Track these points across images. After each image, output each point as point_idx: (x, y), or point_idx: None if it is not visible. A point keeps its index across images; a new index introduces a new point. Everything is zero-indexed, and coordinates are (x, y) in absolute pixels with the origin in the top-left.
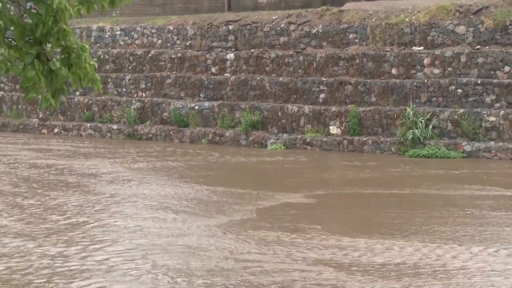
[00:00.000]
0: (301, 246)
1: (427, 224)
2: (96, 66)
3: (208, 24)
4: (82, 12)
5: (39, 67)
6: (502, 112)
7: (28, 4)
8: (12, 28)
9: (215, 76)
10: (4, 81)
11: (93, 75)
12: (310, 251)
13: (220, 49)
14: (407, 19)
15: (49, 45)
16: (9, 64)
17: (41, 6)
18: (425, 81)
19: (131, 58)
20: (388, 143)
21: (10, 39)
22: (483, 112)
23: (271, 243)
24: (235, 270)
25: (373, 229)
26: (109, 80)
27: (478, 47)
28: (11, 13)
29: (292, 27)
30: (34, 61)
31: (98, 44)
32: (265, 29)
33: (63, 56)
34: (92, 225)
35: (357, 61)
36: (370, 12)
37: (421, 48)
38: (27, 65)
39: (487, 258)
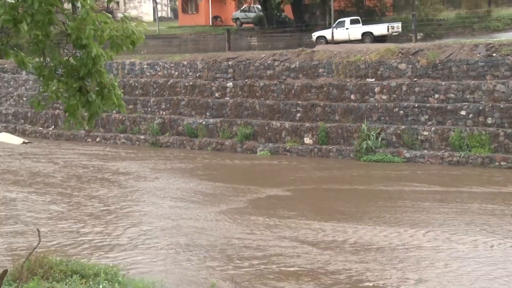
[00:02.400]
0: (281, 228)
1: (376, 212)
2: (122, 95)
3: (213, 60)
4: (113, 58)
5: (79, 98)
6: (433, 128)
7: (74, 50)
8: (60, 68)
9: (218, 99)
10: (60, 102)
11: (120, 102)
12: (287, 231)
13: (222, 79)
14: (362, 58)
15: (89, 80)
16: (58, 94)
17: (84, 52)
18: (376, 104)
19: (154, 85)
20: (348, 150)
21: (59, 75)
22: (419, 128)
23: (258, 225)
24: (230, 245)
25: (336, 215)
26: (138, 101)
27: (415, 79)
28: (60, 56)
29: (276, 63)
30: (76, 93)
31: (130, 75)
32: (256, 64)
33: (98, 89)
34: (124, 211)
35: (325, 89)
36: (335, 52)
37: (373, 79)
38: (71, 96)
39: (421, 238)
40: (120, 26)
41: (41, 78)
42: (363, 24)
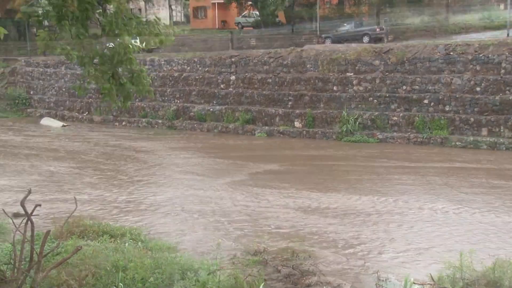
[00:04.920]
0: (275, 196)
1: (353, 183)
2: (151, 82)
3: (219, 57)
4: (140, 50)
5: (112, 82)
6: (401, 114)
7: (108, 42)
8: (97, 57)
9: (223, 90)
10: (92, 92)
11: (149, 87)
12: (281, 199)
13: (226, 73)
14: (343, 56)
15: (120, 69)
16: (95, 79)
17: (116, 43)
18: (354, 94)
19: (170, 78)
20: (331, 133)
21: (95, 64)
22: (390, 114)
23: (257, 194)
24: (234, 211)
25: (320, 186)
26: (157, 92)
27: (386, 73)
28: (97, 47)
29: (271, 59)
30: (110, 78)
31: (150, 70)
32: (254, 61)
33: (129, 75)
34: (145, 182)
35: (312, 81)
36: (320, 51)
37: (352, 74)
38: (105, 80)
39: (390, 204)
40: (147, 26)
41: (82, 66)
42: None
